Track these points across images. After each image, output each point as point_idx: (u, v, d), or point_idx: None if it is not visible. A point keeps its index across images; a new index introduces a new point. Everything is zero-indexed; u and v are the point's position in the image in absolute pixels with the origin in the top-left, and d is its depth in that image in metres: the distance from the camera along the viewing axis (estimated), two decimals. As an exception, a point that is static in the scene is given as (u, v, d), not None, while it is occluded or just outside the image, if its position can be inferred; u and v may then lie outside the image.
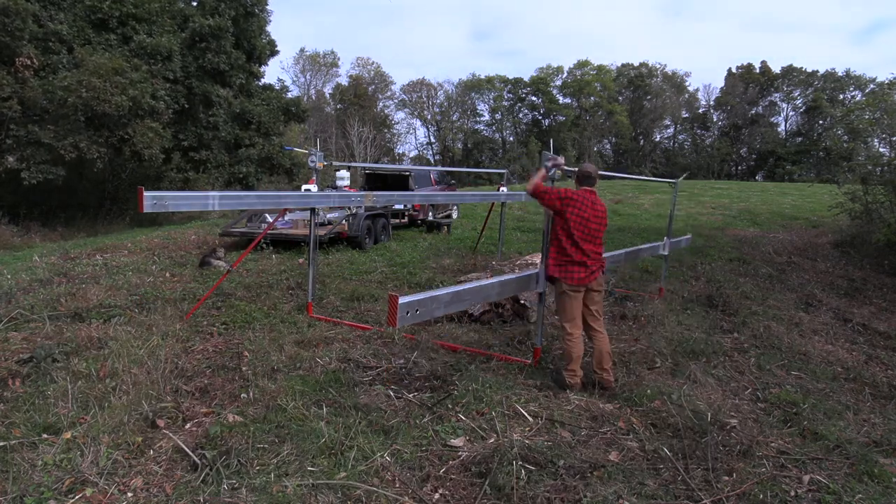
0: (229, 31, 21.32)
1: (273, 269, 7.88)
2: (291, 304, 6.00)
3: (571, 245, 3.93)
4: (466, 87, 59.07)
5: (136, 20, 19.05)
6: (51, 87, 15.61)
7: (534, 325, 4.96)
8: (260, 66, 24.98)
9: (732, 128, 57.30)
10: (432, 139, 60.91)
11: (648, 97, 60.82)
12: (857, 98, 46.60)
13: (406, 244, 10.47)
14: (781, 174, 50.93)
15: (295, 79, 55.71)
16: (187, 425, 3.26)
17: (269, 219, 9.04)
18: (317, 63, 56.38)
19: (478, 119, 61.01)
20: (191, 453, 2.86)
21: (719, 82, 73.27)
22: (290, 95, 27.03)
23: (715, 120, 60.62)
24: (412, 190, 12.26)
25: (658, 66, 61.85)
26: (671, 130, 63.39)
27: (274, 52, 25.37)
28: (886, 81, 12.99)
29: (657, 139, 63.76)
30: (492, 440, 3.18)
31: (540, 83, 58.15)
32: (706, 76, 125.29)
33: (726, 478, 2.91)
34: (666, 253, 6.80)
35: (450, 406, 3.61)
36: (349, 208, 9.77)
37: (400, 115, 60.75)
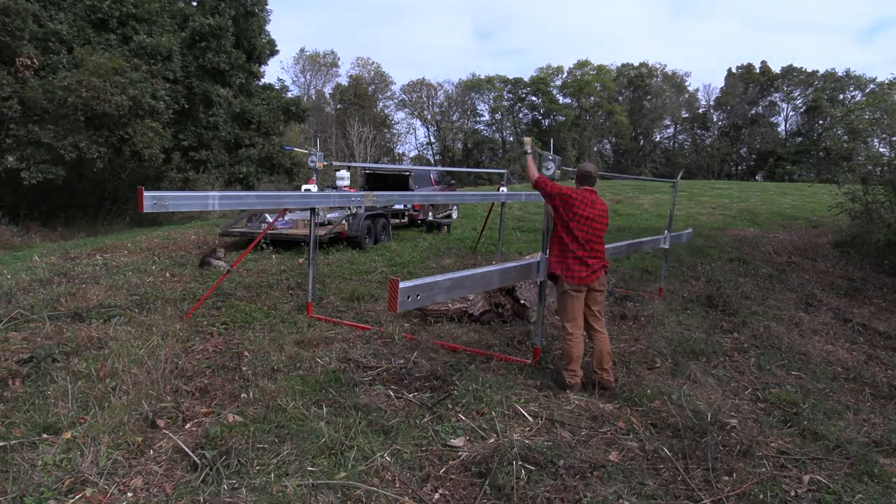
0: (229, 30, 21.32)
1: (273, 269, 7.88)
2: (291, 304, 6.00)
3: (574, 244, 3.93)
4: (466, 87, 59.07)
5: (136, 20, 19.05)
6: (51, 86, 15.60)
7: (534, 325, 4.96)
8: (260, 65, 24.97)
9: (732, 128, 57.29)
10: (432, 139, 60.95)
11: (648, 97, 60.81)
12: (857, 98, 46.60)
13: (406, 244, 10.47)
14: (781, 174, 50.92)
15: (295, 79, 55.78)
16: (187, 425, 3.26)
17: (269, 219, 9.04)
18: (317, 63, 56.39)
19: (478, 119, 61.08)
20: (191, 453, 2.86)
21: (719, 82, 73.39)
22: (290, 95, 27.03)
23: (715, 120, 60.62)
24: (412, 190, 12.26)
25: (658, 66, 61.92)
26: (671, 130, 63.41)
27: (274, 52, 25.36)
28: (886, 81, 12.99)
29: (657, 139, 63.77)
30: (492, 440, 3.18)
31: (540, 83, 58.14)
32: (706, 76, 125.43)
33: (726, 478, 2.91)
34: (667, 246, 6.81)
35: (450, 406, 3.61)
36: (349, 208, 9.77)
37: (400, 115, 60.83)
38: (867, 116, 12.72)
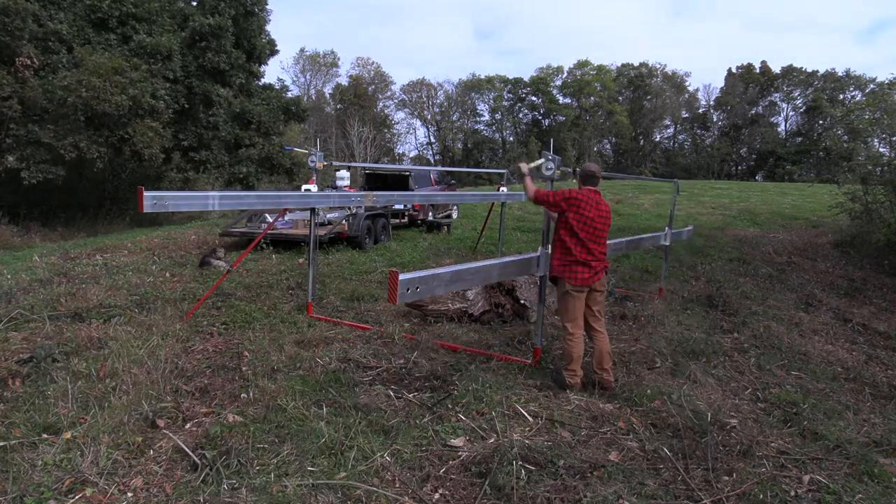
0: (229, 30, 21.32)
1: (273, 269, 7.88)
2: (291, 304, 6.00)
3: (576, 245, 3.93)
4: (466, 87, 59.08)
5: (136, 19, 19.05)
6: (51, 86, 15.60)
7: (534, 325, 4.96)
8: (260, 65, 24.97)
9: (732, 128, 57.30)
10: (432, 139, 60.96)
11: (648, 97, 60.83)
12: (857, 98, 46.60)
13: (406, 244, 10.47)
14: (781, 174, 50.93)
15: (295, 79, 55.79)
16: (187, 425, 3.26)
17: (269, 219, 9.04)
18: (317, 63, 56.40)
19: (478, 119, 61.10)
20: (191, 453, 2.86)
21: (719, 82, 73.44)
22: (290, 95, 27.03)
23: (715, 120, 60.64)
24: (412, 190, 12.26)
25: (658, 66, 61.96)
26: (671, 130, 63.43)
27: (274, 52, 25.36)
28: (886, 81, 12.99)
29: (657, 139, 63.78)
30: (492, 440, 3.18)
31: (540, 83, 58.15)
32: (706, 76, 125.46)
33: (726, 478, 2.91)
34: (667, 243, 6.81)
35: (450, 406, 3.61)
36: (349, 208, 9.77)
37: (400, 115, 60.85)
38: (867, 116, 12.72)
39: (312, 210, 5.75)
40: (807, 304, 7.07)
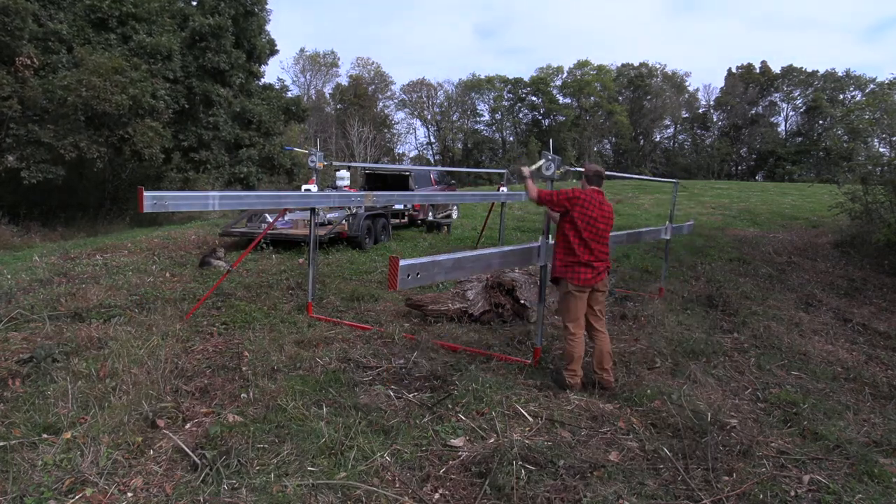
0: (229, 30, 21.33)
1: (273, 269, 7.88)
2: (291, 304, 6.00)
3: (580, 245, 3.92)
4: (466, 87, 59.07)
5: (136, 19, 19.05)
6: (51, 86, 15.60)
7: (534, 325, 4.96)
8: (260, 65, 24.99)
9: (732, 128, 57.29)
10: (432, 139, 60.95)
11: (648, 97, 60.81)
12: (857, 98, 46.60)
13: (406, 244, 10.47)
14: (781, 174, 50.92)
15: (295, 79, 55.78)
16: (187, 425, 3.26)
17: (269, 219, 9.04)
18: (317, 63, 56.39)
19: (478, 119, 61.07)
20: (191, 453, 2.86)
21: (719, 82, 73.47)
22: (290, 95, 27.04)
23: (715, 120, 60.62)
24: (412, 190, 12.26)
25: (658, 66, 61.93)
26: (671, 130, 63.41)
27: (274, 52, 25.38)
28: (886, 81, 12.99)
29: (657, 139, 63.77)
30: (492, 440, 3.18)
31: (540, 83, 58.15)
32: (706, 76, 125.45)
33: (726, 478, 2.91)
34: (668, 237, 6.81)
35: (450, 406, 3.61)
36: (349, 208, 9.77)
37: (400, 115, 60.83)
38: (867, 116, 12.72)
39: (312, 210, 5.76)
40: (807, 304, 7.07)
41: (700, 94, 63.21)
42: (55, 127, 15.82)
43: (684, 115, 62.23)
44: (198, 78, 20.84)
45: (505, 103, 59.58)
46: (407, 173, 13.01)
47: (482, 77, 58.92)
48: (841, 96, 52.33)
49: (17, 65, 15.40)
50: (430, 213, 13.13)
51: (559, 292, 4.18)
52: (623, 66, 61.49)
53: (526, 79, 59.05)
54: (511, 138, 59.58)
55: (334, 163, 11.27)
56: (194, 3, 22.31)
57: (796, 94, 57.01)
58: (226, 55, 21.21)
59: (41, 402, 3.38)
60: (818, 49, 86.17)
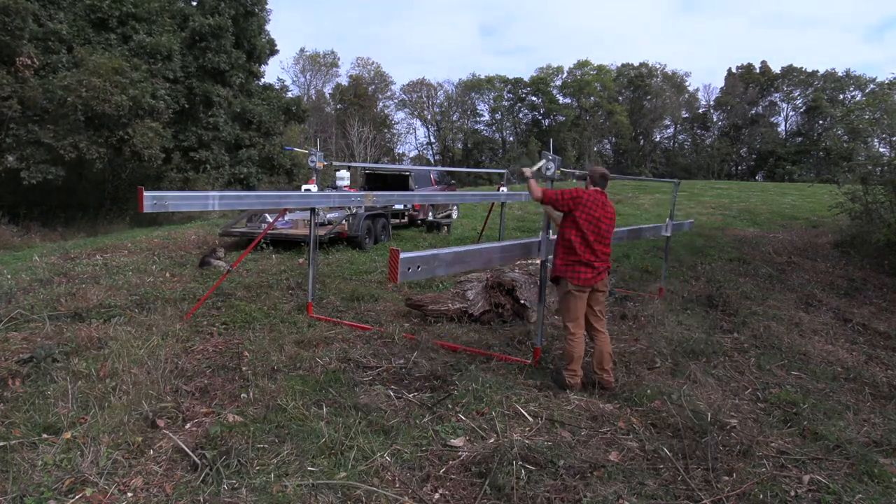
0: (229, 30, 21.34)
1: (273, 269, 7.88)
2: (291, 304, 6.00)
3: (581, 245, 3.92)
4: (466, 86, 59.07)
5: (136, 19, 19.06)
6: (51, 86, 15.61)
7: (534, 325, 4.96)
8: (260, 65, 25.01)
9: (732, 128, 57.30)
10: (432, 139, 60.95)
11: (648, 97, 60.80)
12: (857, 98, 46.60)
13: (406, 244, 10.47)
14: (781, 174, 50.92)
15: (295, 79, 55.77)
16: (187, 425, 3.26)
17: (269, 219, 9.04)
18: (317, 63, 56.39)
19: (478, 119, 61.07)
20: (191, 453, 2.86)
21: (719, 82, 73.52)
22: (290, 95, 27.05)
23: (715, 120, 60.62)
24: (412, 190, 12.26)
25: (658, 66, 61.91)
26: (671, 130, 63.39)
27: (274, 52, 25.40)
28: (886, 81, 12.99)
29: (657, 139, 63.75)
30: (492, 440, 3.18)
31: (540, 83, 58.14)
32: (706, 76, 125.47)
33: (726, 478, 2.91)
34: (668, 234, 6.81)
35: (450, 406, 3.61)
36: (349, 208, 9.77)
37: (400, 115, 60.82)
38: (867, 116, 12.72)
39: (312, 210, 5.76)
40: (807, 304, 7.07)
41: (700, 94, 63.29)
42: (55, 127, 15.83)
43: (684, 115, 62.23)
44: (198, 78, 20.84)
45: (505, 103, 59.57)
46: (407, 173, 13.01)
47: (482, 77, 58.97)
48: (841, 96, 52.33)
49: (17, 65, 15.41)
50: (430, 213, 13.13)
51: (559, 292, 4.18)
52: (623, 66, 61.50)
53: (526, 79, 59.12)
54: (511, 138, 59.58)
55: (334, 163, 11.28)
56: (194, 3, 22.32)
57: (796, 94, 57.01)
58: (226, 55, 21.22)
59: (41, 402, 3.38)
60: (819, 49, 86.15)
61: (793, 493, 2.81)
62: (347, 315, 5.75)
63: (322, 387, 3.81)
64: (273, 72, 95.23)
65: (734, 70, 59.97)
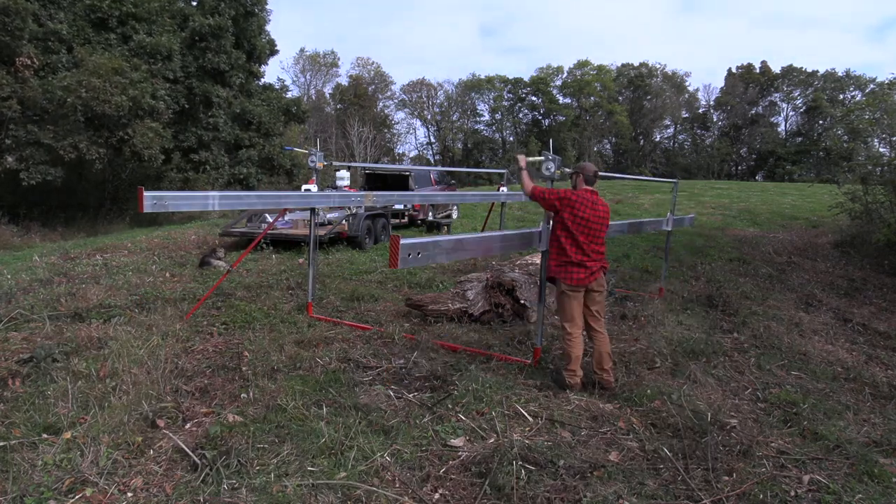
0: (229, 30, 21.34)
1: (273, 269, 7.88)
2: (291, 304, 6.00)
3: (572, 245, 3.93)
4: (466, 87, 59.08)
5: (136, 19, 19.06)
6: (50, 87, 15.61)
7: (534, 325, 4.96)
8: (260, 65, 25.01)
9: (732, 128, 57.30)
10: (432, 139, 60.96)
11: (648, 97, 60.81)
12: (857, 98, 46.60)
13: (406, 244, 10.44)
14: (781, 174, 50.93)
15: (295, 79, 55.78)
16: (187, 425, 3.26)
17: (269, 219, 9.04)
18: (317, 63, 56.39)
19: (478, 119, 61.08)
20: (191, 453, 2.86)
21: (719, 82, 73.52)
22: (290, 95, 27.06)
23: (715, 120, 60.62)
24: (412, 190, 12.26)
25: (658, 66, 61.92)
26: (671, 130, 63.40)
27: (274, 52, 25.40)
28: (886, 81, 13.00)
29: (657, 139, 63.76)
30: (492, 440, 3.18)
31: (540, 83, 58.14)
32: (706, 76, 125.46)
33: (726, 478, 2.91)
34: (669, 228, 6.82)
35: (450, 406, 3.61)
36: (349, 208, 9.77)
37: (400, 115, 60.84)
38: (867, 116, 12.73)
39: (312, 210, 5.76)
40: (807, 304, 7.07)
41: (700, 94, 63.29)
42: (55, 128, 15.83)
43: (684, 115, 62.23)
44: (198, 78, 20.85)
45: (505, 103, 59.58)
46: (407, 173, 13.02)
47: (482, 77, 58.99)
48: (841, 96, 52.34)
49: (17, 65, 15.41)
50: (430, 213, 13.13)
51: (556, 292, 4.19)
52: (623, 66, 61.50)
53: (526, 79, 59.13)
54: (511, 138, 59.58)
55: (334, 163, 11.28)
56: (194, 3, 22.32)
57: (796, 94, 57.02)
58: (226, 55, 21.22)
59: (41, 402, 3.38)
60: (819, 49, 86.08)
61: (793, 493, 2.81)
62: (347, 315, 5.75)
63: (322, 387, 3.81)
64: (273, 72, 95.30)
65: (734, 70, 60.00)
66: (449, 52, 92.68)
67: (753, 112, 57.59)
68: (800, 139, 54.91)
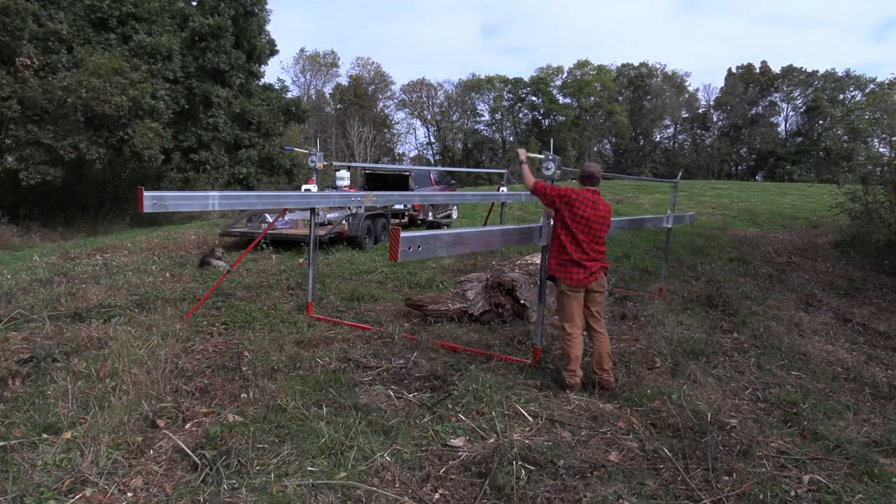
0: (229, 30, 21.34)
1: (273, 269, 7.88)
2: (291, 304, 6.00)
3: (571, 244, 3.93)
4: (466, 87, 59.09)
5: (136, 19, 19.06)
6: (50, 87, 15.61)
7: (534, 325, 4.96)
8: (260, 65, 25.01)
9: (732, 128, 57.30)
10: (432, 139, 60.96)
11: (648, 97, 60.81)
12: (858, 98, 46.61)
13: (406, 244, 10.44)
14: (781, 174, 50.93)
15: (295, 79, 55.78)
16: (187, 425, 3.26)
17: (269, 219, 9.04)
18: (317, 63, 56.39)
19: (478, 119, 61.09)
20: (191, 453, 2.86)
21: (719, 82, 73.55)
22: (290, 95, 27.05)
23: (715, 120, 60.64)
24: (412, 190, 12.26)
25: (658, 66, 61.92)
26: (671, 130, 63.41)
27: (274, 52, 25.40)
28: (886, 81, 13.01)
29: (657, 139, 63.77)
30: (492, 440, 3.18)
31: (540, 83, 58.14)
32: (706, 76, 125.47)
33: (726, 478, 2.91)
34: (669, 225, 6.82)
35: (450, 406, 3.61)
36: (349, 208, 9.77)
37: (400, 115, 60.84)
38: (867, 116, 12.73)
39: (312, 210, 5.76)
40: (807, 304, 7.07)
41: (700, 94, 63.31)
42: (55, 128, 15.83)
43: (684, 115, 62.24)
44: (198, 78, 20.84)
45: (505, 103, 59.58)
46: (407, 173, 13.02)
47: (482, 77, 58.99)
48: (841, 96, 52.35)
49: (17, 65, 15.41)
50: (430, 213, 13.13)
51: (555, 292, 4.18)
52: (623, 66, 61.51)
53: (526, 79, 59.14)
54: (511, 138, 59.58)
55: (334, 163, 11.28)
56: (194, 3, 22.32)
57: (796, 94, 57.03)
58: (226, 55, 21.22)
59: (41, 402, 3.38)
60: (819, 49, 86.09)
61: (793, 493, 2.81)
62: (347, 315, 5.75)
63: (322, 387, 3.81)
64: (273, 72, 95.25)
65: (734, 70, 60.01)
66: (449, 52, 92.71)
67: (753, 112, 57.60)
68: (800, 139, 54.92)
